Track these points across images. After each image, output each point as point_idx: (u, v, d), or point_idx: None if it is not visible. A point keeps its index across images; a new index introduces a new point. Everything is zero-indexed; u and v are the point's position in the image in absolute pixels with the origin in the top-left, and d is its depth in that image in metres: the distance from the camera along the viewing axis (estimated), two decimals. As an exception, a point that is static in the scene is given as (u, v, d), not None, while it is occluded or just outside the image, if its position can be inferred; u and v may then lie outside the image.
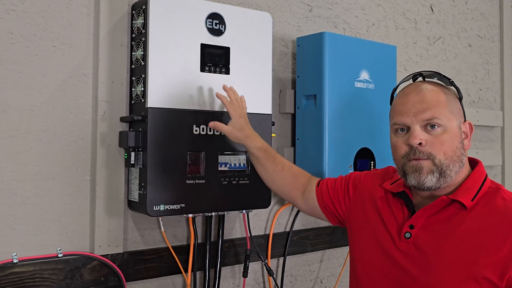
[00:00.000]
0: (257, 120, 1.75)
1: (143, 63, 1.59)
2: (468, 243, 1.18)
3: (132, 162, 1.59)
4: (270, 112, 1.79)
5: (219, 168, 1.68)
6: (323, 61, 1.90)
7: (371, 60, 2.03)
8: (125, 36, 1.67)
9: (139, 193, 1.60)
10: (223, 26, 1.69)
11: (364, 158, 2.00)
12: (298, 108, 2.01)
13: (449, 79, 1.31)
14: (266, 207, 1.79)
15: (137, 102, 1.63)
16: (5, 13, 1.50)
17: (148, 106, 1.56)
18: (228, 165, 1.70)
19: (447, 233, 1.21)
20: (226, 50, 1.70)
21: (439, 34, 2.76)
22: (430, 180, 1.21)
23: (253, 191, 1.74)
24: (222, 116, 1.67)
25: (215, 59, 1.67)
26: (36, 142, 1.54)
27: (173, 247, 1.74)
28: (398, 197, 1.33)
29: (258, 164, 1.61)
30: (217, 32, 1.68)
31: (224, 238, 1.85)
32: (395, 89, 1.39)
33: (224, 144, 1.68)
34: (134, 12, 1.66)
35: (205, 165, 1.64)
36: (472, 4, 2.97)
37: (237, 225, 1.95)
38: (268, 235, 2.01)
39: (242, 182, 1.72)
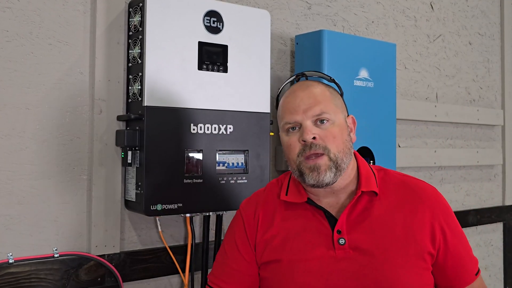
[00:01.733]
0: (255, 119, 1.73)
1: (140, 61, 1.58)
2: (399, 225, 1.24)
3: (129, 161, 1.58)
4: (268, 111, 1.78)
5: (217, 167, 1.66)
6: (322, 59, 1.88)
7: (371, 58, 2.01)
8: (122, 34, 1.66)
9: (136, 193, 1.58)
10: (221, 24, 1.68)
11: (363, 157, 1.97)
12: (296, 106, 1.99)
13: (329, 76, 1.40)
14: (265, 206, 1.78)
15: (134, 101, 1.61)
16: (0, 10, 1.48)
17: (145, 105, 1.54)
18: (226, 164, 1.68)
19: (373, 223, 1.25)
20: (224, 48, 1.68)
21: (439, 32, 2.75)
22: (328, 177, 1.22)
23: (251, 191, 1.72)
24: (220, 115, 1.65)
25: (212, 57, 1.66)
26: (32, 141, 1.53)
27: (171, 247, 1.73)
28: (304, 206, 1.29)
29: None
30: (214, 30, 1.67)
31: (222, 238, 1.84)
32: (279, 92, 1.38)
33: (222, 143, 1.67)
34: (131, 9, 1.65)
35: (202, 164, 1.63)
36: (473, 1, 2.95)
37: (235, 224, 1.94)
38: (267, 234, 2.00)
39: (240, 181, 1.71)
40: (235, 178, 1.70)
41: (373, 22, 2.41)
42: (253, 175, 1.73)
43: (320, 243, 1.25)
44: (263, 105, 1.77)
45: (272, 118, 1.80)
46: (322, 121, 1.24)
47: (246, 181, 1.72)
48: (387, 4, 2.48)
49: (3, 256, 1.48)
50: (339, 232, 1.24)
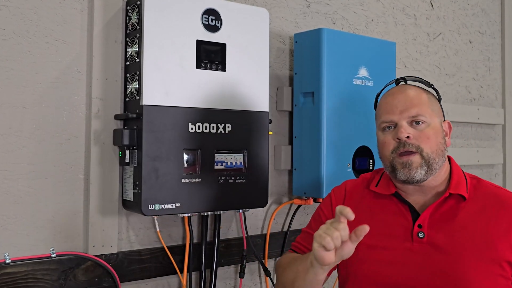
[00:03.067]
0: (254, 118, 1.72)
1: (137, 60, 1.57)
2: (480, 231, 1.28)
3: (127, 160, 1.57)
4: (267, 110, 1.77)
5: (215, 167, 1.65)
6: (321, 58, 1.87)
7: (370, 57, 2.00)
8: (120, 33, 1.65)
9: (133, 192, 1.57)
10: (219, 22, 1.67)
11: (363, 156, 1.97)
12: (295, 105, 1.99)
13: (429, 82, 1.45)
14: (263, 206, 1.77)
15: (131, 100, 1.60)
16: (-4, 9, 1.48)
17: (143, 104, 1.53)
18: (224, 164, 1.67)
19: (455, 225, 1.29)
20: (222, 46, 1.67)
21: (439, 30, 2.73)
22: (419, 174, 1.30)
23: (249, 190, 1.72)
24: (218, 114, 1.64)
25: (211, 55, 1.65)
26: (29, 140, 1.52)
27: (169, 247, 1.72)
28: (390, 198, 1.38)
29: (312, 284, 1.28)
30: (213, 28, 1.66)
31: (221, 238, 1.83)
32: (379, 93, 1.48)
33: (220, 142, 1.66)
34: (128, 8, 1.63)
35: (201, 164, 1.62)
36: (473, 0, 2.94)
37: (233, 224, 1.93)
38: (265, 235, 1.99)
39: (239, 181, 1.70)
40: (233, 178, 1.69)
41: (372, 20, 2.39)
42: (252, 174, 1.72)
43: (399, 234, 1.32)
44: (262, 104, 1.76)
45: (271, 117, 1.79)
46: (417, 122, 1.32)
47: (244, 180, 1.71)
48: (386, 2, 2.46)
49: (0, 256, 1.47)
50: (420, 226, 1.30)
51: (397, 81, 1.47)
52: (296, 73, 1.99)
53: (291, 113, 2.04)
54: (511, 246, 1.26)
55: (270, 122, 1.79)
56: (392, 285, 1.30)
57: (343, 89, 1.92)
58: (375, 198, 1.41)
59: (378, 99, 1.45)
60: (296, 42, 1.99)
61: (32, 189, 1.53)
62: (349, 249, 1.15)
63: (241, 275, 1.86)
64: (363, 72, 1.98)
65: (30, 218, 1.52)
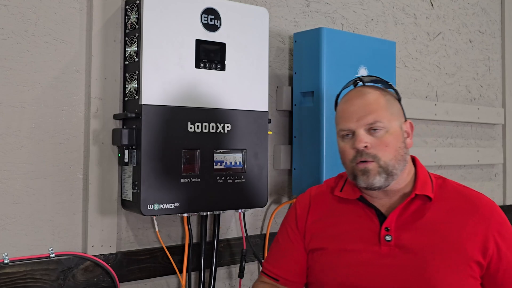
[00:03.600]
0: (253, 118, 1.72)
1: (137, 59, 1.57)
2: (448, 231, 1.27)
3: (126, 160, 1.56)
4: (266, 109, 1.76)
5: (215, 167, 1.65)
6: (320, 57, 1.87)
7: (370, 56, 2.00)
8: (119, 32, 1.64)
9: (132, 192, 1.57)
10: (218, 21, 1.66)
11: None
12: (295, 105, 1.98)
13: (387, 82, 1.40)
14: (263, 206, 1.77)
15: (130, 99, 1.60)
16: (-5, 8, 1.47)
17: (142, 103, 1.53)
18: (223, 164, 1.67)
19: (423, 226, 1.29)
20: (222, 46, 1.67)
21: (439, 29, 2.73)
22: (379, 181, 1.28)
23: (249, 190, 1.72)
24: (218, 114, 1.64)
25: (210, 55, 1.64)
26: (28, 140, 1.52)
27: (168, 247, 1.71)
28: (356, 202, 1.37)
29: None
30: (212, 28, 1.65)
31: (220, 238, 1.83)
32: (338, 96, 1.45)
33: (219, 142, 1.65)
34: (127, 7, 1.63)
35: (200, 164, 1.62)
36: (473, -1, 2.94)
37: (233, 224, 1.92)
38: (265, 235, 1.99)
39: (238, 180, 1.69)
40: (233, 178, 1.68)
41: (372, 19, 2.39)
42: (251, 174, 1.71)
43: (367, 238, 1.31)
44: (261, 104, 1.75)
45: (270, 117, 1.79)
46: (375, 129, 1.29)
47: (244, 180, 1.70)
48: (386, 2, 2.46)
49: (-2, 256, 1.47)
50: (387, 229, 1.29)
51: (355, 82, 1.42)
52: (295, 73, 1.98)
53: (290, 113, 2.04)
54: (480, 246, 1.26)
55: (270, 121, 1.78)
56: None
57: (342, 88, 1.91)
58: (341, 203, 1.40)
59: (338, 101, 1.42)
60: (295, 41, 1.99)
61: (31, 189, 1.52)
62: None
63: (241, 275, 1.85)
64: (362, 71, 1.97)
65: (28, 218, 1.52)
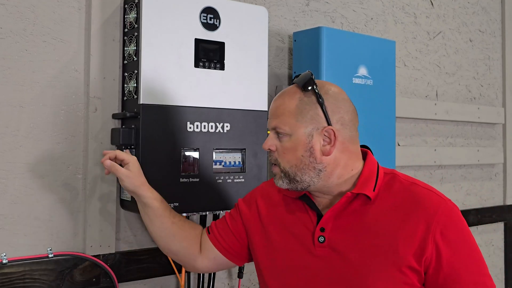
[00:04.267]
0: (252, 117, 1.71)
1: (135, 59, 1.56)
2: (383, 234, 1.18)
3: (125, 160, 1.55)
4: (266, 109, 1.76)
5: (214, 166, 1.64)
6: (320, 57, 1.86)
7: (370, 56, 1.99)
8: (118, 31, 1.64)
9: (131, 192, 1.56)
10: (217, 20, 1.66)
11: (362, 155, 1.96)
12: (295, 104, 1.97)
13: (310, 83, 1.23)
14: (262, 205, 1.76)
15: (129, 99, 1.59)
16: (-7, 7, 1.47)
17: (140, 103, 1.52)
18: (223, 163, 1.67)
19: (360, 228, 1.20)
20: (221, 45, 1.66)
21: (439, 28, 2.72)
22: (282, 184, 1.25)
23: (248, 190, 1.70)
24: (217, 114, 1.63)
25: (209, 54, 1.64)
26: (26, 139, 1.51)
27: (167, 247, 1.71)
28: (299, 200, 1.31)
29: (155, 217, 1.39)
30: (211, 27, 1.65)
31: (219, 237, 1.82)
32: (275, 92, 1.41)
33: (219, 142, 1.65)
34: (126, 6, 1.62)
35: (199, 163, 1.61)
36: (473, -2, 2.93)
37: (232, 224, 1.92)
38: (265, 234, 1.98)
39: (237, 180, 1.69)
40: (232, 177, 1.68)
41: (372, 18, 2.38)
42: (251, 174, 1.71)
43: (303, 238, 1.26)
44: (261, 103, 1.75)
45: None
46: (279, 134, 1.24)
47: (243, 180, 1.70)
48: (386, 1, 2.45)
49: (-3, 256, 1.47)
50: (322, 229, 1.23)
51: (294, 78, 1.32)
52: (295, 72, 1.98)
53: (290, 112, 2.03)
54: (415, 250, 1.14)
55: (269, 121, 1.78)
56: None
57: (342, 88, 1.91)
58: (285, 200, 1.34)
59: None
60: (295, 40, 1.98)
61: (29, 188, 1.52)
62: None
63: (240, 276, 1.85)
64: (362, 71, 1.97)
65: (27, 218, 1.52)
